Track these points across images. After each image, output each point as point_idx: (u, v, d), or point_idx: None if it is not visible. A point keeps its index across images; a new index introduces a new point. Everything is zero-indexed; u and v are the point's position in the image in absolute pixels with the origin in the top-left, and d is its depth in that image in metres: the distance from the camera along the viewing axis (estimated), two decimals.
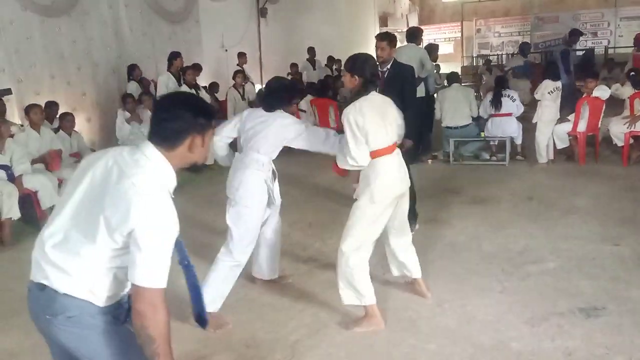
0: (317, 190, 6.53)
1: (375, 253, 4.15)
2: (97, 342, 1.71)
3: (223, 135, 3.52)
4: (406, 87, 4.86)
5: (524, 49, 12.01)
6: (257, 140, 3.37)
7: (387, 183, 3.22)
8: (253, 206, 3.39)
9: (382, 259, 4.27)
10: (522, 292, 3.61)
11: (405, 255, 3.60)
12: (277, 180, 3.65)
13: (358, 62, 3.36)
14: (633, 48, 11.12)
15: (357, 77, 3.28)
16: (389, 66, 4.87)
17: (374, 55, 4.90)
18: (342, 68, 3.59)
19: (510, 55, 15.61)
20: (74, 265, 1.67)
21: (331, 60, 12.66)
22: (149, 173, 1.69)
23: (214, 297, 3.34)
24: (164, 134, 1.77)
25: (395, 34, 6.24)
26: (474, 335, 3.12)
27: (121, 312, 1.75)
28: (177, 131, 1.76)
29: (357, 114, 3.15)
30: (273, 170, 3.55)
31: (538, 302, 3.46)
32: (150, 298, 1.61)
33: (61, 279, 1.68)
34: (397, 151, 3.37)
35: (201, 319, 1.92)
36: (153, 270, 1.61)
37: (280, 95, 3.48)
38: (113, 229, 1.62)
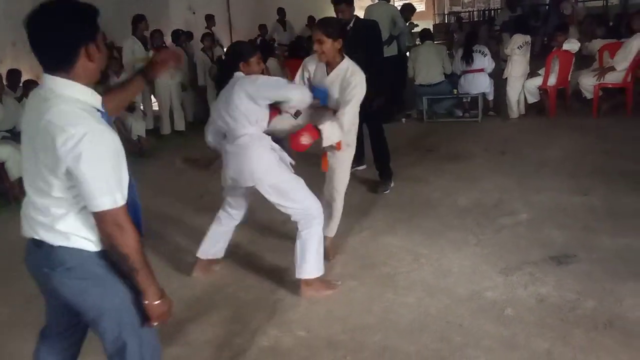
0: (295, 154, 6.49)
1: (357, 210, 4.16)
2: (98, 292, 1.71)
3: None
4: (371, 43, 4.79)
5: (510, 2, 11.72)
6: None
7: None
8: (283, 174, 3.11)
9: (359, 218, 4.31)
10: (496, 244, 3.69)
11: None
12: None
13: (337, 26, 3.34)
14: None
15: (340, 40, 3.26)
16: (350, 25, 4.80)
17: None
18: (318, 36, 3.23)
19: (495, 11, 15.45)
20: (55, 220, 1.66)
21: (312, 19, 12.40)
22: (59, 104, 1.57)
23: (318, 261, 3.21)
24: (55, 57, 1.61)
25: None
26: (451, 287, 3.19)
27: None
28: (67, 49, 1.60)
29: (364, 85, 3.26)
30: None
31: (512, 253, 3.54)
32: (112, 219, 1.59)
33: (51, 234, 1.68)
34: None
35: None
36: (105, 193, 1.56)
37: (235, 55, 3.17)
38: (55, 172, 1.58)
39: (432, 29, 10.86)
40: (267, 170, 3.07)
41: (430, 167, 5.48)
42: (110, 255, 1.68)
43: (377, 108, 4.82)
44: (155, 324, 1.77)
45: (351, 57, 4.84)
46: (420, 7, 18.60)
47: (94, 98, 1.66)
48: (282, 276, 3.48)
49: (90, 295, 1.72)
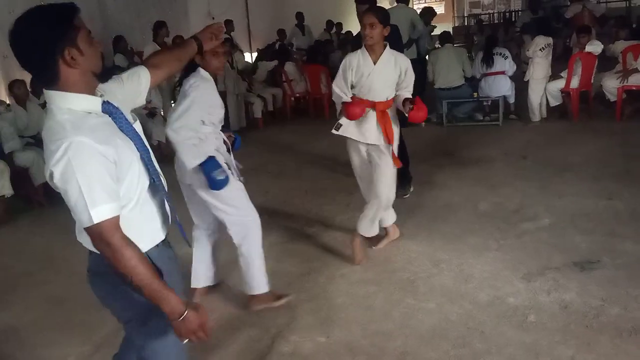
0: (312, 157, 6.52)
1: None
2: (120, 301, 1.70)
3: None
4: (391, 47, 4.77)
5: (532, 4, 11.56)
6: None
7: None
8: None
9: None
10: (518, 249, 3.64)
11: None
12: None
13: (387, 14, 3.43)
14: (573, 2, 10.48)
15: (388, 27, 3.39)
16: None
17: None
18: (371, 20, 3.30)
19: (515, 13, 15.30)
20: (79, 226, 1.65)
21: (330, 24, 12.42)
22: (49, 119, 1.53)
23: (262, 275, 3.16)
24: (37, 73, 1.54)
25: None
26: (471, 293, 3.16)
27: None
28: (41, 62, 1.50)
29: None
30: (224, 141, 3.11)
31: (534, 258, 3.49)
32: (99, 235, 1.50)
33: (82, 237, 1.67)
34: None
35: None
36: (82, 209, 1.47)
37: None
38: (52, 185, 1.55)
39: (451, 32, 10.80)
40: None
41: (450, 171, 5.44)
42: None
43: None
44: (186, 341, 1.64)
45: None
46: (439, 9, 18.51)
47: (90, 103, 1.58)
48: (301, 281, 3.48)
49: (112, 302, 1.73)
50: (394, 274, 3.47)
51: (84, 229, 1.51)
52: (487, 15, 16.95)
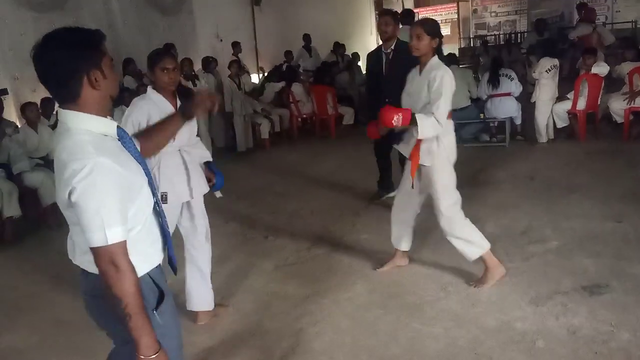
0: (319, 178, 6.52)
1: (381, 236, 4.13)
2: (119, 325, 1.64)
3: None
4: (409, 70, 4.72)
5: (538, 26, 11.62)
6: None
7: (454, 141, 3.53)
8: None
9: (385, 245, 4.26)
10: (525, 273, 3.61)
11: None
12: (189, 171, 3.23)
13: (437, 26, 3.37)
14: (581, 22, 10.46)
15: (437, 39, 3.31)
16: (392, 47, 4.77)
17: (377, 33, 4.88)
18: (418, 31, 3.24)
19: (521, 35, 15.38)
20: (82, 246, 1.65)
21: (337, 46, 12.53)
22: (66, 139, 1.56)
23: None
24: (59, 90, 1.58)
25: None
26: (479, 317, 3.12)
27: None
28: (67, 81, 1.55)
29: (451, 79, 3.23)
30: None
31: (542, 282, 3.45)
32: (109, 256, 1.51)
33: (83, 259, 1.68)
34: None
35: (171, 264, 1.90)
36: (97, 229, 1.50)
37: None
38: (64, 205, 1.57)
39: (457, 53, 10.86)
40: None
41: None
42: (105, 295, 1.58)
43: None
44: None
45: (391, 82, 4.71)
46: (445, 30, 18.62)
47: (107, 126, 1.63)
48: (305, 304, 3.46)
49: (109, 325, 1.71)
50: (401, 297, 3.45)
51: (92, 248, 1.53)
52: (493, 37, 17.02)
